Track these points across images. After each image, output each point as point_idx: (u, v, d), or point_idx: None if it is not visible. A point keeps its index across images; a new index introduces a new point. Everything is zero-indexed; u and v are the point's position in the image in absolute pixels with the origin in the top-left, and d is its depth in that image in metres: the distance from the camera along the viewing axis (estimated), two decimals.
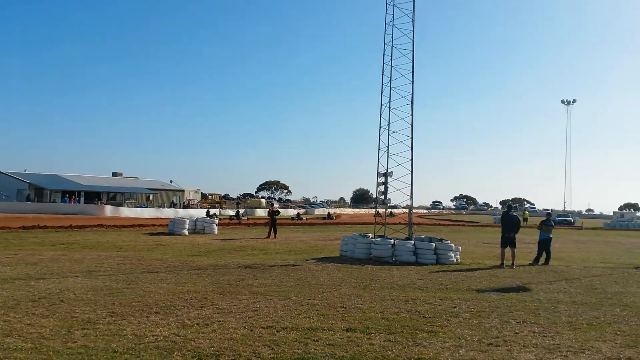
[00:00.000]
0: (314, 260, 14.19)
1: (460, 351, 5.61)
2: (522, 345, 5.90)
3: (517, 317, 7.43)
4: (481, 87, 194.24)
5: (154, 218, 39.46)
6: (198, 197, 73.00)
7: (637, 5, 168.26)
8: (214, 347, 5.57)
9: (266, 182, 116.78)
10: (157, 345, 5.58)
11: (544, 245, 15.12)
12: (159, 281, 9.97)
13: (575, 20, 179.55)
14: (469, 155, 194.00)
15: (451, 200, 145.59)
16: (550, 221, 15.94)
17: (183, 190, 71.72)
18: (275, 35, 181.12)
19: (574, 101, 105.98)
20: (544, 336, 6.37)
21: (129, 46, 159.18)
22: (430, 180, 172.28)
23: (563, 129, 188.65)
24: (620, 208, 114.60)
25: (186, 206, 60.76)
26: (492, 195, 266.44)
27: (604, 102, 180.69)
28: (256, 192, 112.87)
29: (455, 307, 8.13)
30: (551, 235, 15.40)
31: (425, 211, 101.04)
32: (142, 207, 51.96)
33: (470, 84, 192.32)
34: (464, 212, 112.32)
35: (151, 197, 64.09)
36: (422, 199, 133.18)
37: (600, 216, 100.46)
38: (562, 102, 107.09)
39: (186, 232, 23.93)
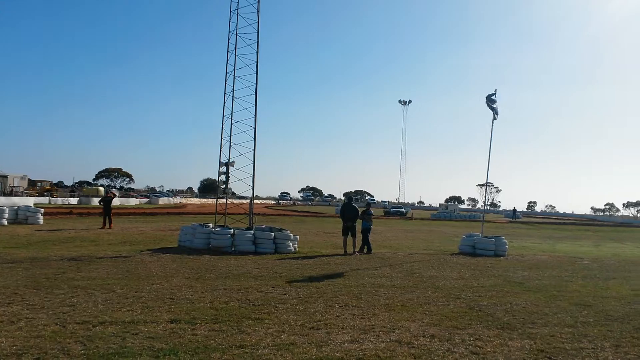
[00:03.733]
0: (149, 251, 13.59)
1: (282, 336, 5.76)
2: (341, 328, 6.24)
3: (341, 302, 7.85)
4: (328, 83, 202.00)
5: None
6: (25, 184, 65.79)
7: (469, 10, 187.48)
8: (17, 345, 5.05)
9: (106, 169, 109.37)
10: None
11: (364, 233, 15.83)
12: None
13: (415, 25, 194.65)
14: (316, 148, 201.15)
15: (299, 191, 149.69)
16: (370, 211, 16.57)
17: (6, 176, 64.09)
18: (117, 24, 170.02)
19: (410, 101, 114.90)
20: (361, 318, 6.81)
21: None
22: (281, 172, 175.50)
23: (401, 126, 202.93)
24: (446, 201, 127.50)
25: (8, 194, 54.44)
26: (337, 187, 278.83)
27: (435, 102, 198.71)
28: (94, 180, 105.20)
29: (285, 294, 8.33)
30: (370, 224, 16.05)
31: (273, 202, 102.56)
32: None
33: (316, 80, 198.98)
34: (310, 203, 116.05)
35: None
36: (271, 190, 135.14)
37: (429, 208, 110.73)
38: (400, 102, 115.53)
39: (5, 221, 21.40)
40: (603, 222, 75.89)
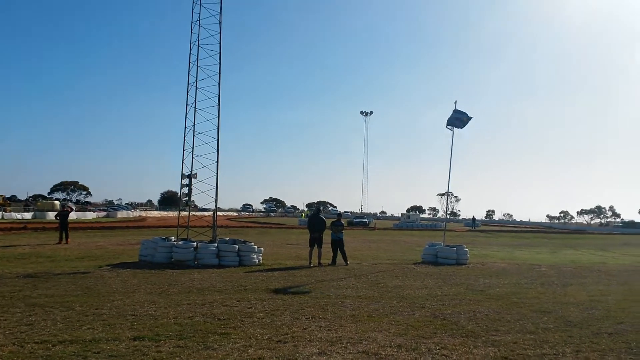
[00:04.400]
0: (108, 267, 13.23)
1: (249, 350, 5.69)
2: (308, 340, 6.21)
3: (307, 314, 7.81)
4: (289, 94, 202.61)
5: None
6: None
7: (427, 24, 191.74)
8: None
9: (62, 182, 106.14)
10: None
11: (336, 245, 15.77)
12: None
13: (377, 37, 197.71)
14: (278, 159, 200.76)
15: (261, 203, 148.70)
16: (340, 222, 16.49)
17: None
18: (74, 26, 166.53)
19: (371, 112, 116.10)
20: (328, 330, 6.80)
21: None
22: (242, 183, 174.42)
23: (362, 137, 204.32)
24: (408, 210, 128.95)
25: None
26: (299, 198, 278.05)
27: (397, 113, 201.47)
28: (49, 194, 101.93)
29: (251, 307, 8.25)
30: (342, 235, 15.96)
31: (235, 214, 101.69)
32: None
33: (278, 91, 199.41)
34: (272, 214, 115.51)
35: None
36: (234, 202, 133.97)
37: (392, 218, 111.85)
38: (362, 112, 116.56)
39: None
40: (558, 229, 78.33)
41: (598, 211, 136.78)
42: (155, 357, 5.35)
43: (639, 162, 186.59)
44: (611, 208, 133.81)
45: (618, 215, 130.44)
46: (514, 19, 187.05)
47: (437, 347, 6.08)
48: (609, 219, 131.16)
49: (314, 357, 5.55)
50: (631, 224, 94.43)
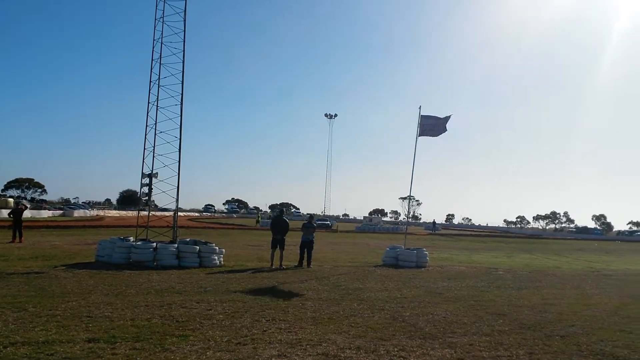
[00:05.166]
0: (64, 267, 12.87)
1: (208, 353, 5.64)
2: (268, 342, 6.20)
3: (268, 316, 7.80)
4: (254, 95, 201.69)
5: None
6: None
7: (391, 28, 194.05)
8: None
9: (16, 179, 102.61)
10: None
11: (305, 246, 15.63)
12: None
13: (339, 41, 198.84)
14: (241, 160, 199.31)
15: (223, 204, 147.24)
16: (312, 223, 16.40)
17: None
18: (34, 26, 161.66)
19: (336, 115, 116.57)
20: (288, 332, 6.80)
21: None
22: (204, 184, 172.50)
23: (326, 139, 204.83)
24: (370, 213, 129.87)
25: None
26: (262, 199, 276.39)
27: (360, 116, 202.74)
28: (3, 191, 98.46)
29: (210, 309, 8.17)
30: (312, 237, 15.81)
31: (197, 214, 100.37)
32: None
33: (242, 91, 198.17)
34: (235, 215, 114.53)
35: None
36: (195, 203, 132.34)
37: (354, 220, 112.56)
38: (326, 115, 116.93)
39: None
40: (515, 234, 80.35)
41: (553, 217, 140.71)
42: None
43: (593, 169, 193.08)
44: (565, 214, 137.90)
45: (572, 221, 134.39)
46: (494, 24, 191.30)
47: (396, 349, 6.17)
48: (563, 225, 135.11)
49: (273, 359, 5.55)
50: (584, 230, 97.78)
